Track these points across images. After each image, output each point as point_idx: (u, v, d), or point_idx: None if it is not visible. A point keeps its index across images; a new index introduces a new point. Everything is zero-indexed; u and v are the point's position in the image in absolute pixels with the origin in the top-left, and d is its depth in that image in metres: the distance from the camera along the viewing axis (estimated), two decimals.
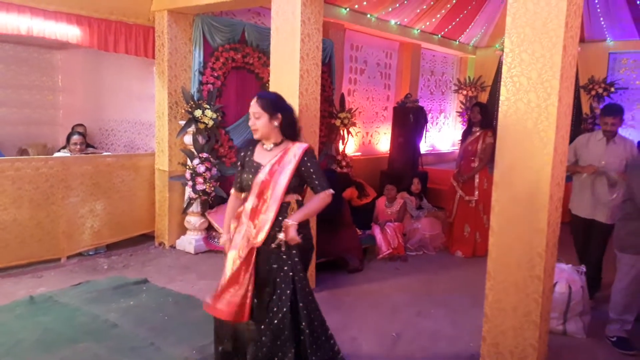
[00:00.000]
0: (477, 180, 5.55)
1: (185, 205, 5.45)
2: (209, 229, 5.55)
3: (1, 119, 6.59)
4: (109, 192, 5.23)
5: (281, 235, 2.51)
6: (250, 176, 2.64)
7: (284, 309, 2.52)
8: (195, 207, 5.39)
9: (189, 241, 5.42)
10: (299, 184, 2.65)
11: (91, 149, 5.72)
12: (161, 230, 5.60)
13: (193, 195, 5.28)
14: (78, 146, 5.26)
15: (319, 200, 2.61)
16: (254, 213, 2.59)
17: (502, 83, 2.90)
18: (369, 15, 7.21)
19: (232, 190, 2.82)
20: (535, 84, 2.78)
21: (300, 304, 2.57)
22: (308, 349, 2.59)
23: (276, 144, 2.65)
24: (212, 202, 5.46)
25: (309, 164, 2.61)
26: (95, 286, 4.25)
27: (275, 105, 2.64)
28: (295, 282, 2.57)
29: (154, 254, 5.35)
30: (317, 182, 2.63)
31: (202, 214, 5.44)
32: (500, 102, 2.91)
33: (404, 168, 7.20)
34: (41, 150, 6.65)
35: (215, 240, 5.44)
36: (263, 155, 2.67)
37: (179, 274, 4.66)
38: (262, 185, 2.58)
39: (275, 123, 2.62)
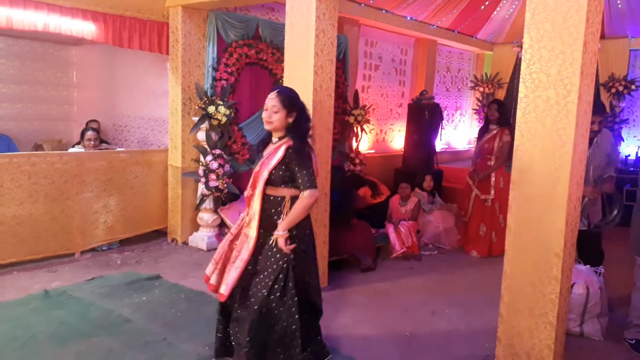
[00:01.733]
0: (493, 178, 5.47)
1: (198, 202, 5.46)
2: (222, 225, 5.55)
3: (17, 114, 6.67)
4: (123, 188, 5.26)
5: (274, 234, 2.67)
6: (254, 168, 2.82)
7: (264, 294, 2.63)
8: (208, 203, 5.39)
9: (202, 237, 5.43)
10: (289, 179, 2.70)
11: (105, 144, 5.76)
12: (174, 226, 5.62)
13: (206, 191, 5.29)
14: (92, 142, 5.31)
15: (300, 202, 2.64)
16: (248, 202, 2.78)
17: (520, 80, 2.83)
18: (384, 11, 7.14)
19: None
20: (554, 81, 2.71)
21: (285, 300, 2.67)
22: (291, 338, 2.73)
23: (280, 138, 2.75)
24: (225, 198, 5.46)
25: (294, 161, 2.65)
26: (108, 281, 4.28)
27: (294, 102, 2.75)
28: (287, 271, 2.66)
29: (167, 250, 5.37)
30: (299, 181, 2.66)
31: (215, 211, 5.44)
32: (518, 99, 2.85)
33: (419, 166, 7.13)
34: (56, 146, 6.72)
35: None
36: (268, 149, 2.81)
37: (192, 270, 4.67)
38: (255, 176, 2.75)
39: (290, 120, 2.71)
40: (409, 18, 7.61)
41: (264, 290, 2.64)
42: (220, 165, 5.22)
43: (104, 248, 5.18)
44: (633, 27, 7.94)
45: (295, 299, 2.67)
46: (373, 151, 8.00)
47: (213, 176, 5.19)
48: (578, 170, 2.79)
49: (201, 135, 5.33)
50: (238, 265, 2.71)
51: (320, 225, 4.24)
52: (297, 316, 2.66)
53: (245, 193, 2.82)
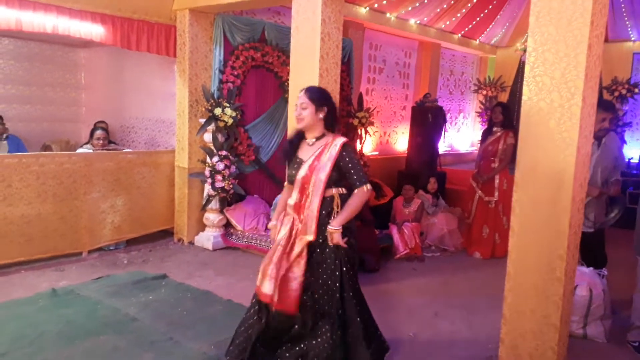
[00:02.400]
0: (497, 181, 5.49)
1: (204, 202, 5.51)
2: (227, 225, 5.59)
3: (26, 115, 6.73)
4: (130, 188, 5.31)
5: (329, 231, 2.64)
6: (294, 172, 2.75)
7: (331, 300, 2.65)
8: (214, 204, 5.44)
9: (208, 237, 5.47)
10: (339, 178, 2.70)
11: (113, 145, 5.81)
12: (180, 226, 5.67)
13: (212, 192, 5.33)
14: (101, 141, 5.37)
15: (357, 197, 2.66)
16: (298, 208, 2.72)
17: (524, 83, 2.86)
18: (388, 15, 7.18)
19: (286, 183, 2.91)
20: (558, 84, 2.74)
21: (347, 299, 2.68)
22: (357, 339, 2.69)
23: (318, 138, 2.74)
24: (231, 199, 5.51)
25: (347, 159, 2.67)
26: (115, 280, 4.32)
27: (323, 97, 2.74)
28: (343, 276, 2.67)
29: (173, 249, 5.41)
30: (355, 177, 2.67)
31: (221, 211, 5.49)
32: (522, 102, 2.88)
33: (422, 168, 7.16)
34: (64, 147, 6.78)
35: (233, 237, 5.48)
36: (305, 151, 2.76)
37: (198, 270, 4.71)
38: (304, 181, 2.69)
39: (321, 115, 2.71)
40: (412, 22, 7.65)
41: (336, 294, 2.65)
42: (226, 167, 5.26)
43: (111, 248, 5.23)
44: (636, 31, 7.96)
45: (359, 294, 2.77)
46: (377, 153, 8.04)
47: (219, 177, 5.24)
48: (582, 173, 2.82)
49: (208, 137, 5.38)
50: (298, 275, 2.66)
51: None
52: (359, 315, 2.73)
53: (291, 200, 2.74)
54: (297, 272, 2.66)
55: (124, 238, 5.34)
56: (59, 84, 7.06)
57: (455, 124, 10.12)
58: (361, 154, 6.77)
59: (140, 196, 5.43)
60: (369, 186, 2.69)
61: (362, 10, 6.78)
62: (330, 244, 2.65)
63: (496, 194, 5.48)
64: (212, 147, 5.36)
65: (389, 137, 8.46)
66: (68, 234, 4.85)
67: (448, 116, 8.89)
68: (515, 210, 2.93)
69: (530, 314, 2.89)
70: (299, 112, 2.72)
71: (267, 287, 2.68)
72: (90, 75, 7.24)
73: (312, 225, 2.64)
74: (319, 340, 2.67)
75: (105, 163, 5.11)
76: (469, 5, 7.68)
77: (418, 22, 7.75)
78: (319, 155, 2.68)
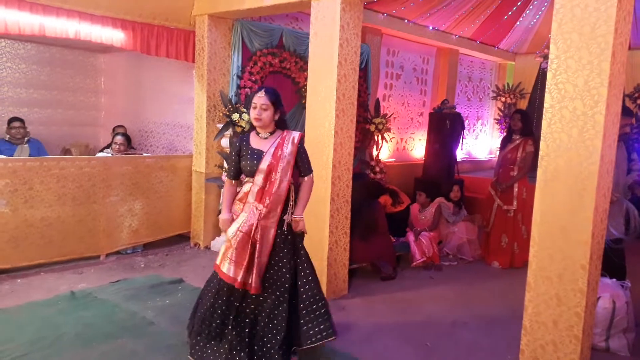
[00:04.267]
0: (516, 189, 5.41)
1: (220, 207, 5.52)
2: None
3: (47, 119, 6.84)
4: (148, 192, 5.36)
5: (286, 218, 2.93)
6: (255, 162, 2.92)
7: (285, 284, 2.93)
8: None
9: (223, 243, 5.47)
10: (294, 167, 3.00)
11: (131, 149, 5.88)
12: (197, 231, 5.70)
13: None
14: (121, 146, 5.45)
15: (308, 185, 3.05)
16: (262, 194, 2.89)
17: (547, 90, 2.82)
18: (406, 21, 7.17)
19: (226, 179, 3.12)
20: (581, 92, 2.70)
21: (299, 282, 2.98)
22: (302, 319, 2.98)
23: (271, 133, 2.99)
24: None
25: (302, 150, 3.02)
26: (132, 284, 4.36)
27: (279, 100, 2.99)
28: (296, 260, 2.99)
29: (189, 254, 5.44)
30: (306, 167, 3.04)
31: None
32: (544, 109, 2.83)
33: (439, 175, 7.10)
34: (83, 150, 6.87)
35: None
36: (261, 143, 2.97)
37: None
38: (270, 168, 2.89)
39: (277, 116, 2.98)
40: (431, 28, 7.62)
41: (310, 277, 3.01)
42: None
43: (128, 251, 5.27)
44: None
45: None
46: (393, 159, 8.00)
47: None
48: (605, 182, 2.76)
49: (225, 142, 5.41)
50: (263, 260, 2.88)
51: (341, 232, 4.26)
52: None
53: (255, 187, 2.90)
54: (264, 255, 2.88)
55: (141, 242, 5.39)
56: (80, 88, 7.17)
57: (473, 130, 10.03)
58: (377, 160, 6.75)
59: (158, 200, 5.47)
60: (312, 175, 3.07)
61: (380, 17, 6.77)
62: (295, 230, 2.98)
63: (515, 202, 5.40)
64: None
65: (405, 143, 8.41)
66: (87, 237, 4.90)
67: (466, 123, 8.81)
68: (536, 219, 2.89)
69: (551, 325, 2.83)
70: (259, 113, 2.92)
71: (228, 269, 2.87)
72: (110, 80, 7.34)
73: (278, 209, 2.89)
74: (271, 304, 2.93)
75: (124, 167, 5.16)
76: (488, 11, 7.62)
77: (436, 28, 7.71)
78: (280, 145, 2.93)
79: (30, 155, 5.44)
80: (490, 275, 5.19)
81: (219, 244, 5.53)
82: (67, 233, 4.76)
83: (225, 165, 5.38)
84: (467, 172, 8.62)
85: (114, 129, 6.26)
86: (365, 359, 3.21)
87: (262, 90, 2.96)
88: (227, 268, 2.88)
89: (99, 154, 5.51)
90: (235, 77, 5.49)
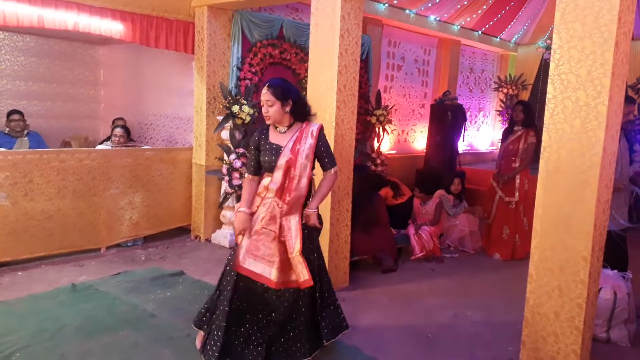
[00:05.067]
0: (518, 180, 5.39)
1: (221, 200, 5.52)
2: None
3: (46, 111, 6.81)
4: (148, 185, 5.34)
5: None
6: (273, 157, 2.81)
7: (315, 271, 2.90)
8: (231, 201, 5.44)
9: (224, 235, 5.48)
10: (314, 161, 2.89)
11: (131, 142, 5.86)
12: (197, 223, 5.69)
13: (229, 189, 5.34)
14: (120, 139, 5.44)
15: (330, 179, 2.90)
16: (282, 190, 2.79)
17: (549, 80, 2.80)
18: (407, 11, 7.12)
19: (247, 174, 2.97)
20: (584, 82, 2.67)
21: (317, 277, 2.90)
22: (319, 315, 2.94)
23: (289, 127, 2.87)
24: None
25: (321, 143, 2.87)
26: (133, 276, 4.35)
27: (286, 92, 2.82)
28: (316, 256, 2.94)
29: (190, 246, 5.44)
30: (326, 160, 2.90)
31: None
32: (547, 100, 2.81)
33: (441, 167, 7.08)
34: (83, 143, 6.84)
35: None
36: (279, 138, 2.85)
37: (214, 267, 4.72)
38: (289, 164, 2.78)
39: (287, 109, 2.82)
40: (432, 18, 7.56)
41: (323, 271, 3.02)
42: (243, 164, 5.26)
43: (128, 244, 5.27)
44: None
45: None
46: (394, 152, 7.97)
47: (236, 174, 5.24)
48: (608, 173, 2.74)
49: (225, 134, 5.39)
50: (297, 249, 2.78)
51: (342, 225, 4.25)
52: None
53: (273, 184, 2.78)
54: (298, 246, 2.75)
55: (141, 234, 5.38)
56: (79, 80, 7.13)
57: (475, 122, 9.99)
58: (378, 153, 6.72)
59: (158, 193, 5.46)
60: (337, 167, 2.93)
61: (381, 7, 6.72)
62: (307, 224, 2.85)
63: (517, 194, 5.38)
64: (230, 145, 5.37)
65: (407, 135, 8.38)
66: (87, 229, 4.90)
67: (468, 114, 8.77)
68: (538, 210, 2.87)
69: (553, 316, 2.83)
70: (265, 110, 2.81)
71: (255, 266, 2.77)
72: (109, 72, 7.30)
73: (299, 205, 2.81)
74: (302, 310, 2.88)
75: (124, 160, 5.15)
76: (490, 1, 7.56)
77: (438, 18, 7.66)
78: (298, 139, 2.81)
79: (30, 148, 5.42)
80: (491, 267, 5.18)
81: (220, 236, 5.53)
82: (68, 226, 4.76)
83: (226, 157, 5.36)
84: (469, 164, 8.59)
85: (113, 122, 6.23)
86: (367, 351, 3.20)
87: (266, 85, 2.83)
88: (256, 266, 2.77)
89: (99, 147, 5.50)
90: (235, 69, 5.45)
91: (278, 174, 2.78)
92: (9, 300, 3.74)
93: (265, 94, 2.79)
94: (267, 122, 2.86)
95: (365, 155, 6.62)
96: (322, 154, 2.88)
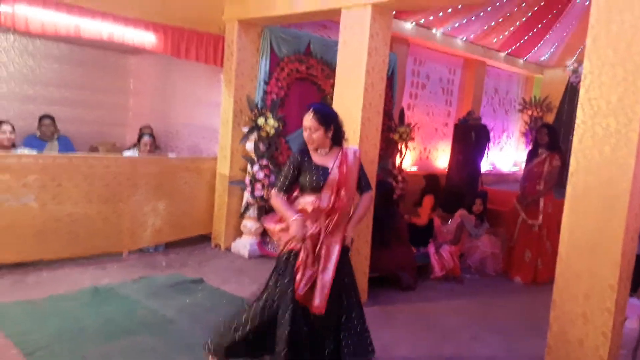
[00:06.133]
0: (541, 203, 5.33)
1: (242, 210, 5.57)
2: (264, 234, 5.63)
3: (77, 117, 6.97)
4: (172, 193, 5.42)
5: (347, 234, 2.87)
6: (322, 177, 2.79)
7: (349, 300, 2.87)
8: (252, 212, 5.49)
9: (244, 245, 5.52)
10: None
11: (158, 150, 5.97)
12: (218, 232, 5.74)
13: (251, 200, 5.39)
14: (148, 147, 5.56)
15: (367, 201, 2.98)
16: (330, 210, 2.78)
17: (578, 105, 2.79)
18: (434, 30, 7.15)
19: (277, 192, 2.84)
20: (615, 108, 2.65)
21: (350, 299, 2.90)
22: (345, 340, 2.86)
23: (329, 150, 2.89)
24: (268, 208, 5.54)
25: (361, 165, 2.97)
26: (154, 282, 4.41)
27: (329, 118, 2.85)
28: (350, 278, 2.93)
29: (210, 254, 5.48)
30: (364, 183, 2.97)
31: (258, 219, 5.53)
32: (575, 125, 2.80)
33: (463, 186, 7.03)
34: (110, 149, 6.98)
35: (269, 246, 5.51)
36: (323, 159, 2.86)
37: (234, 276, 4.76)
38: (339, 184, 2.79)
39: (329, 134, 2.85)
40: (458, 38, 7.58)
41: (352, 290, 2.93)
42: (266, 176, 5.32)
43: (150, 250, 5.34)
44: None
45: None
46: (416, 168, 7.95)
47: (259, 186, 5.30)
48: (637, 201, 2.70)
49: (249, 146, 5.45)
50: (329, 276, 2.74)
51: (362, 241, 4.24)
52: None
53: (321, 202, 2.76)
54: (330, 272, 2.74)
55: (163, 241, 5.45)
56: (109, 88, 7.30)
57: (499, 143, 9.92)
58: (400, 169, 6.71)
59: (182, 201, 5.53)
60: (372, 192, 3.00)
61: (408, 26, 6.77)
62: (345, 244, 2.86)
63: (540, 217, 5.32)
64: (254, 156, 5.43)
65: (429, 153, 8.36)
66: (111, 234, 4.98)
67: (491, 135, 8.71)
68: (563, 236, 2.84)
69: (577, 344, 2.78)
70: (309, 135, 2.81)
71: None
72: (139, 81, 7.47)
73: (342, 226, 2.83)
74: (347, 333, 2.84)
75: (150, 167, 5.24)
76: (518, 23, 7.55)
77: (464, 38, 7.67)
78: (343, 161, 2.83)
79: (59, 151, 5.56)
80: (511, 290, 5.11)
81: (239, 246, 5.57)
82: (92, 229, 4.84)
83: (249, 168, 5.42)
84: (491, 184, 8.51)
85: (140, 129, 6.36)
86: None
87: (311, 110, 2.81)
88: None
89: (125, 153, 5.61)
90: (262, 83, 5.54)
91: (326, 194, 2.77)
92: (33, 300, 3.81)
93: (311, 120, 2.78)
94: (310, 146, 2.85)
95: (386, 172, 6.62)
96: (361, 176, 2.94)
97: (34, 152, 4.73)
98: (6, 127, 4.90)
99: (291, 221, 2.72)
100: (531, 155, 5.59)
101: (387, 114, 6.39)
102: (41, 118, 5.80)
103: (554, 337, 2.87)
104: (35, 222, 4.49)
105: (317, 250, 2.74)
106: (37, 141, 5.66)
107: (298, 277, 2.70)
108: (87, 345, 3.18)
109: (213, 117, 6.07)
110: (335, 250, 2.77)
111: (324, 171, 2.80)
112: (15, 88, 6.34)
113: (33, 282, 4.23)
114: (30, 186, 4.44)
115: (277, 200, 2.84)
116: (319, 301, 2.70)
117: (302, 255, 2.71)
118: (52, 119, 5.79)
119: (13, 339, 3.16)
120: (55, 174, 4.58)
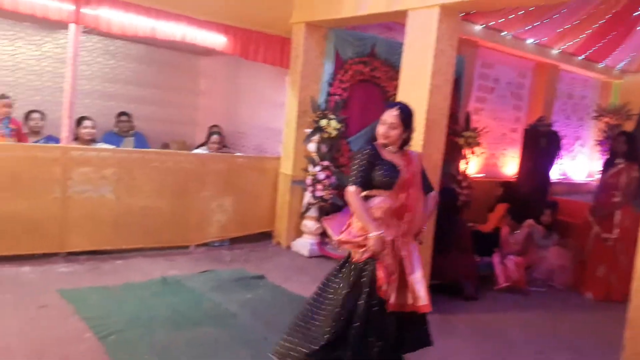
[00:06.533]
0: (618, 216, 5.02)
1: (303, 210, 5.65)
2: (323, 235, 5.68)
3: (151, 115, 7.34)
4: (237, 190, 5.59)
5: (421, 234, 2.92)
6: (394, 174, 2.75)
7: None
8: (313, 212, 5.56)
9: (304, 244, 5.60)
10: None
11: (225, 148, 6.18)
12: (279, 230, 5.86)
13: (312, 200, 5.46)
14: (216, 145, 5.79)
15: (433, 200, 3.04)
16: (402, 210, 2.77)
17: None
18: (504, 33, 6.92)
19: (355, 187, 2.74)
20: None
21: None
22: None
23: (397, 149, 2.85)
24: (329, 209, 5.59)
25: (423, 167, 3.01)
26: (218, 275, 4.56)
27: (411, 120, 2.87)
28: None
29: (272, 252, 5.61)
30: (427, 183, 2.99)
31: (318, 220, 5.59)
32: None
33: (531, 195, 6.74)
34: (181, 146, 7.30)
35: (329, 246, 5.55)
36: (393, 157, 2.82)
37: (294, 274, 4.83)
38: (409, 183, 2.79)
39: (405, 135, 2.83)
40: (529, 41, 7.29)
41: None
42: (327, 177, 5.37)
43: (215, 244, 5.52)
44: None
45: None
46: (482, 175, 7.73)
47: (320, 186, 5.35)
48: None
49: (312, 147, 5.52)
50: (419, 273, 2.76)
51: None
52: None
53: (393, 202, 2.74)
54: (418, 272, 2.74)
55: (228, 236, 5.62)
56: (181, 88, 7.64)
57: (571, 151, 9.45)
58: (464, 175, 6.54)
59: (246, 198, 5.69)
60: (436, 192, 3.06)
61: (477, 28, 6.60)
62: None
63: (616, 230, 5.01)
64: (316, 157, 5.49)
65: (496, 159, 8.11)
66: (179, 227, 5.21)
67: (563, 142, 8.31)
68: None
69: None
70: (386, 130, 2.77)
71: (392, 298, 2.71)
72: (208, 81, 7.76)
73: (416, 225, 2.83)
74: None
75: (218, 165, 5.44)
76: (594, 26, 7.15)
77: (536, 41, 7.37)
78: (411, 161, 2.84)
79: (134, 147, 5.89)
80: (582, 307, 4.86)
81: (299, 245, 5.65)
82: (163, 222, 5.09)
83: (311, 168, 5.48)
84: (562, 194, 8.11)
85: (210, 128, 6.60)
86: None
87: (397, 107, 2.79)
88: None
89: (195, 151, 5.85)
90: (326, 84, 5.60)
91: (399, 192, 2.75)
92: (109, 286, 4.06)
93: (394, 117, 2.76)
94: (382, 141, 2.80)
95: (449, 177, 6.47)
96: (425, 178, 2.97)
97: (111, 147, 5.04)
98: (88, 123, 5.23)
99: (371, 236, 2.66)
100: (607, 165, 5.28)
101: (453, 118, 6.25)
102: (119, 115, 6.18)
103: (628, 358, 2.70)
104: (112, 212, 4.78)
105: (395, 249, 2.71)
106: (115, 137, 6.03)
107: (384, 289, 2.66)
108: (157, 333, 3.32)
109: (277, 118, 6.21)
110: (414, 249, 2.80)
111: (394, 168, 2.76)
112: (97, 86, 6.78)
113: (109, 269, 4.50)
114: (107, 179, 4.73)
115: (355, 199, 2.73)
116: (422, 300, 2.70)
117: (380, 273, 2.67)
118: (129, 115, 6.15)
119: (88, 323, 3.36)
120: (130, 167, 4.85)
